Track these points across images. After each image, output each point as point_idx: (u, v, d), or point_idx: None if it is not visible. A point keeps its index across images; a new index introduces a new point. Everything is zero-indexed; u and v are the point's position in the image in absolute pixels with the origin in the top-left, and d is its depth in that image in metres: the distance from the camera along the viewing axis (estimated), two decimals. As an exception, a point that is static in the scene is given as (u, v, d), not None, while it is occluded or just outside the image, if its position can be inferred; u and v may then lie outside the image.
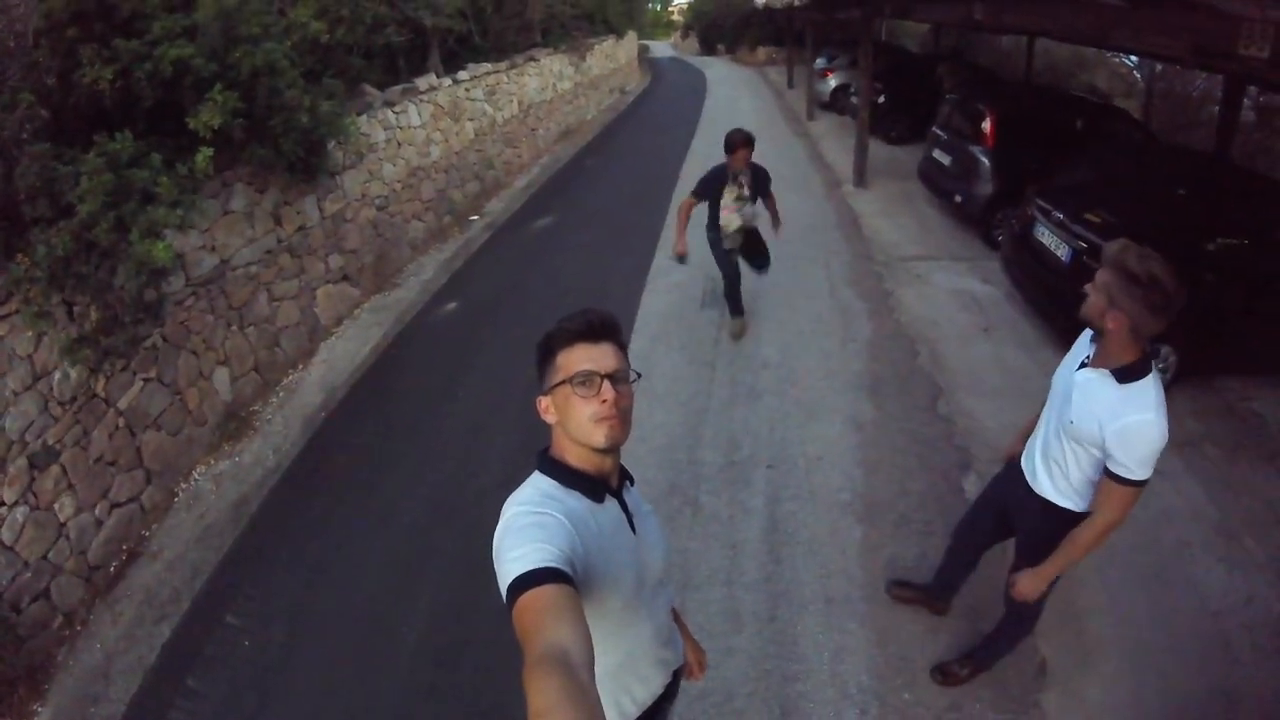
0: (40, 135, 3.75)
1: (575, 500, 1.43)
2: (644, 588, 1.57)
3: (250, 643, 3.57)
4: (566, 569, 1.19)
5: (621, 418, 1.43)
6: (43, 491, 3.64)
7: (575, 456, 1.47)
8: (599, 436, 1.41)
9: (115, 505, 4.13)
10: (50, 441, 3.70)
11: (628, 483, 1.62)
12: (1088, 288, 2.10)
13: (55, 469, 3.73)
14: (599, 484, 1.48)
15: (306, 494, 4.62)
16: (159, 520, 4.38)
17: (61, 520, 3.74)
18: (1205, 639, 3.15)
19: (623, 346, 1.51)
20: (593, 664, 1.04)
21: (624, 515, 1.54)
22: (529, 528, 1.27)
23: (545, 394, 1.49)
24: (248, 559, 4.12)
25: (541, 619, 1.08)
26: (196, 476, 4.75)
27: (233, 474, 4.77)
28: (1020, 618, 2.73)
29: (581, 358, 1.43)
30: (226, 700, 3.29)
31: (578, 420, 1.42)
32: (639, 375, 1.52)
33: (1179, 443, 4.29)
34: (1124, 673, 3.01)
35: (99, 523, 3.99)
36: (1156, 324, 2.00)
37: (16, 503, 3.48)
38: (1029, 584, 2.37)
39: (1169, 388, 4.61)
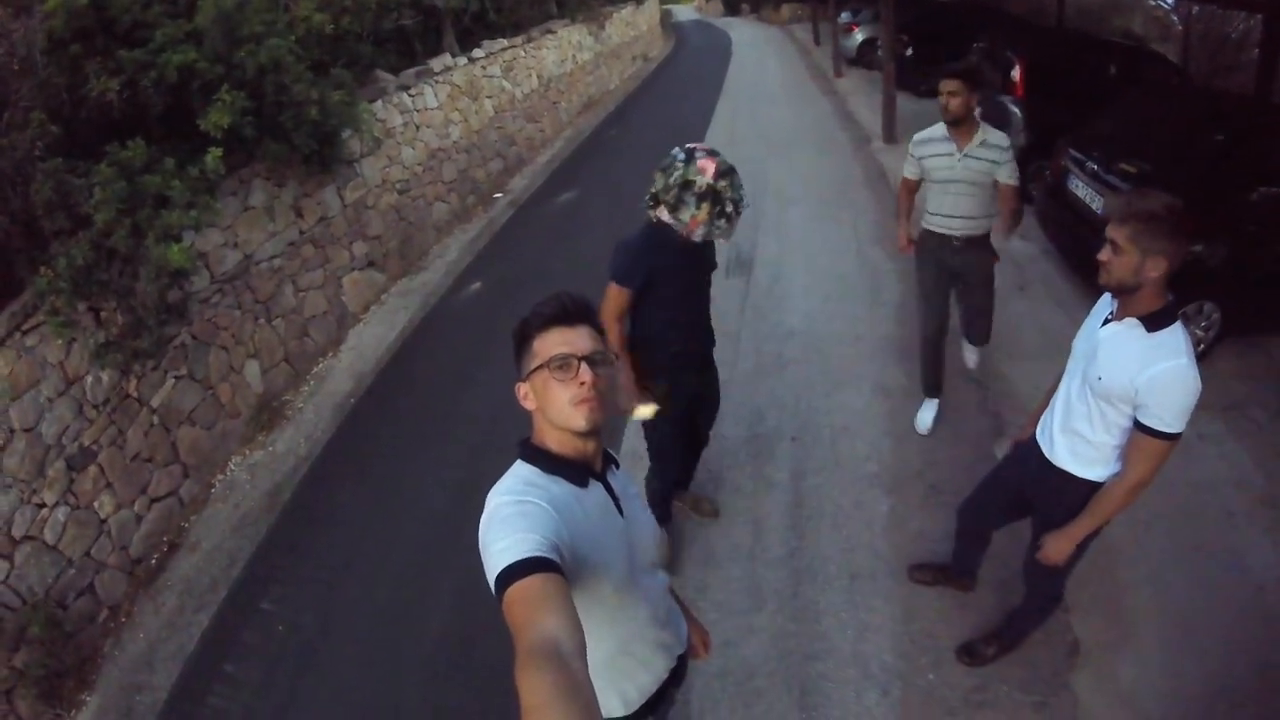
0: (53, 150, 3.83)
1: (559, 486, 1.42)
2: (636, 571, 1.56)
3: (285, 628, 3.67)
4: (554, 557, 1.18)
5: (601, 399, 1.42)
6: (82, 491, 3.77)
7: (556, 442, 1.46)
8: (579, 419, 1.40)
9: (154, 500, 4.27)
10: (86, 443, 3.82)
11: (612, 466, 1.61)
12: (1106, 255, 2.03)
13: (93, 469, 3.86)
14: (582, 468, 1.47)
15: (337, 481, 4.71)
16: (197, 512, 4.52)
17: (102, 518, 3.88)
18: (1248, 615, 2.99)
19: (600, 329, 1.50)
20: (584, 653, 1.03)
21: (610, 499, 1.53)
22: (513, 518, 1.26)
23: (523, 381, 1.48)
24: (282, 547, 4.23)
25: (531, 611, 1.07)
26: (232, 468, 4.88)
27: (267, 464, 4.88)
28: (1043, 594, 2.65)
29: (557, 341, 1.42)
30: (263, 685, 3.40)
31: (557, 404, 1.41)
32: (617, 357, 1.49)
33: (1223, 405, 4.09)
34: (1160, 651, 2.89)
35: (139, 518, 4.13)
36: (1186, 250, 1.96)
37: (57, 504, 3.61)
38: (1056, 546, 2.30)
39: (1213, 346, 4.43)
